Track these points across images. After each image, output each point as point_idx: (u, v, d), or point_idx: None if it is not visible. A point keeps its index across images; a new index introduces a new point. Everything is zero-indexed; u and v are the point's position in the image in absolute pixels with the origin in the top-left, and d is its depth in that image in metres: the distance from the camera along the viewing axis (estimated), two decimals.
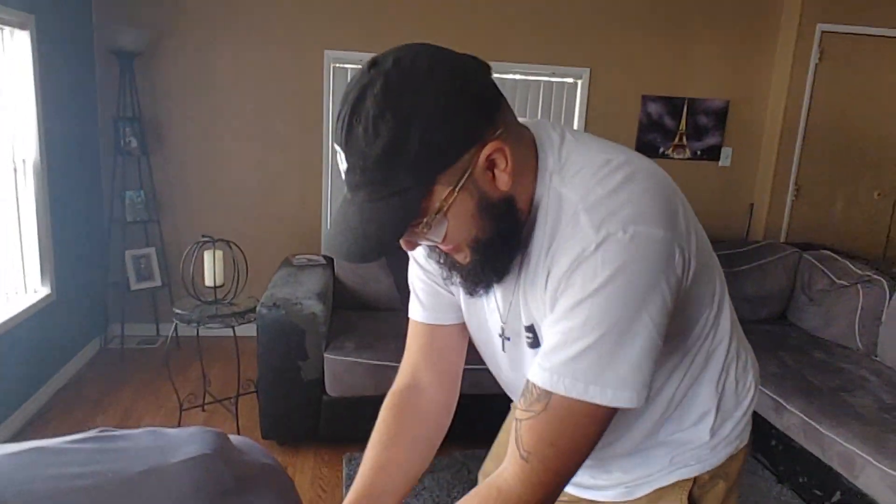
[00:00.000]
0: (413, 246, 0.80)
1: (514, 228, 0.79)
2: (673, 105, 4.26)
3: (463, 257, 0.81)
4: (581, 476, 1.00)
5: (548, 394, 0.74)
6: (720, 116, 4.32)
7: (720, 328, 0.89)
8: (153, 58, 3.71)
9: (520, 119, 0.82)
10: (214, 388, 3.20)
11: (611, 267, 0.70)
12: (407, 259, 1.05)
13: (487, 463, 1.24)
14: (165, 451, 1.02)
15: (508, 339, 0.92)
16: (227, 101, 3.84)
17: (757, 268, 3.45)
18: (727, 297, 0.91)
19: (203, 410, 3.03)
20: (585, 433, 0.76)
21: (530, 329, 0.85)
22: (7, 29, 2.81)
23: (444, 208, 0.74)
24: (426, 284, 1.02)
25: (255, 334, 2.65)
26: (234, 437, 1.14)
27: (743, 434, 0.98)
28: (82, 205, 3.58)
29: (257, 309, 2.61)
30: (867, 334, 3.00)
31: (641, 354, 0.72)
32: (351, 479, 2.51)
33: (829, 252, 3.42)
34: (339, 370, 2.63)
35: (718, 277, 0.88)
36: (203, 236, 2.80)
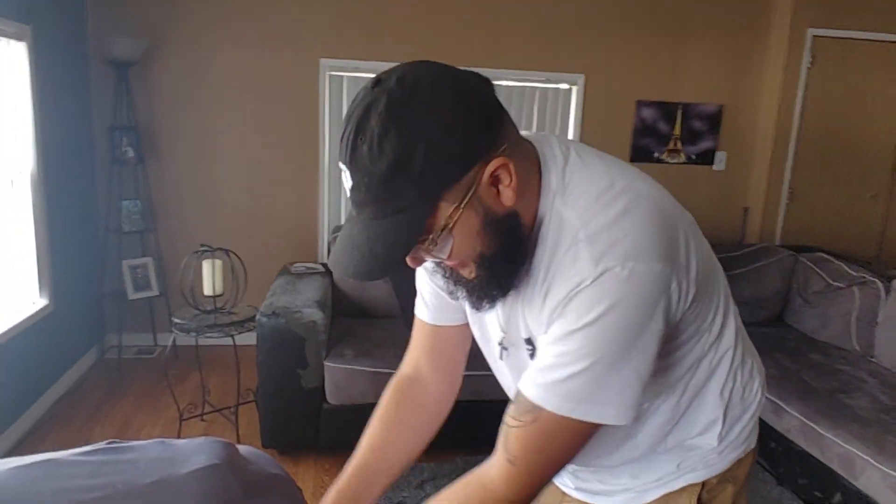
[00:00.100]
0: (419, 262, 0.81)
1: (519, 244, 0.80)
2: (667, 110, 4.29)
3: (468, 272, 0.82)
4: (590, 482, 1.01)
5: (537, 408, 0.77)
6: (714, 121, 4.35)
7: (724, 339, 0.90)
8: (149, 67, 3.71)
9: (522, 132, 0.82)
10: (213, 398, 3.19)
11: (607, 302, 0.72)
12: (408, 268, 1.06)
13: None
14: (174, 462, 1.02)
15: (507, 349, 0.94)
16: (223, 109, 3.84)
17: (753, 271, 3.47)
18: (732, 306, 0.92)
19: (202, 420, 3.02)
20: (570, 445, 0.79)
21: (529, 342, 0.87)
22: (3, 39, 2.81)
23: (450, 225, 0.74)
24: (432, 289, 1.03)
25: (253, 343, 2.64)
26: (241, 447, 1.14)
27: (750, 438, 0.99)
28: (78, 215, 3.57)
29: (257, 318, 2.61)
30: (863, 335, 3.02)
31: (630, 380, 0.75)
32: None
33: (824, 254, 3.44)
34: (339, 378, 2.63)
35: (722, 290, 0.89)
36: (202, 245, 2.80)
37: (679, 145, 4.36)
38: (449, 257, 0.79)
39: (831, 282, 3.25)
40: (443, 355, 1.09)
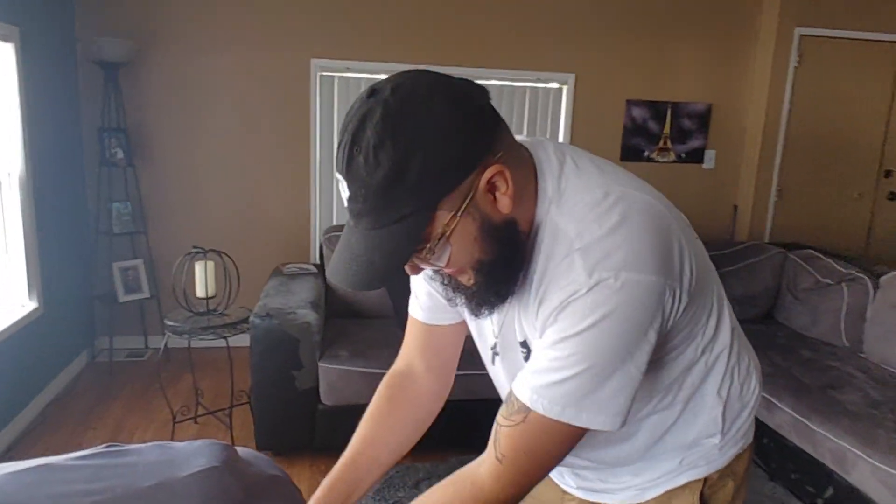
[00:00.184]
0: (417, 270, 0.81)
1: (517, 250, 0.80)
2: (657, 109, 4.31)
3: (467, 279, 0.82)
4: (591, 481, 1.01)
5: (527, 409, 0.78)
6: (703, 120, 4.38)
7: (719, 339, 0.91)
8: (138, 68, 3.68)
9: (517, 137, 0.82)
10: (206, 400, 3.18)
11: (600, 312, 0.73)
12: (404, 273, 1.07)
13: None
14: (174, 465, 1.02)
15: (498, 353, 0.95)
16: (213, 110, 3.82)
17: (743, 268, 3.50)
18: (726, 306, 0.93)
19: (196, 422, 3.00)
20: (556, 446, 0.80)
21: (524, 344, 0.88)
22: None
23: (447, 233, 0.75)
24: (426, 288, 1.04)
25: (246, 345, 2.63)
26: (240, 449, 1.14)
27: (748, 433, 1.00)
28: (68, 217, 3.55)
29: (250, 319, 2.60)
30: (853, 331, 3.05)
31: (619, 387, 0.76)
32: None
33: (813, 251, 3.47)
34: (333, 379, 2.63)
35: (715, 291, 0.89)
36: (194, 247, 2.79)
37: (669, 144, 4.38)
38: (447, 265, 0.79)
39: (820, 279, 3.28)
40: (436, 354, 1.10)
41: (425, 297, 1.05)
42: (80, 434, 2.90)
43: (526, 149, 0.82)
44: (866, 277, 3.07)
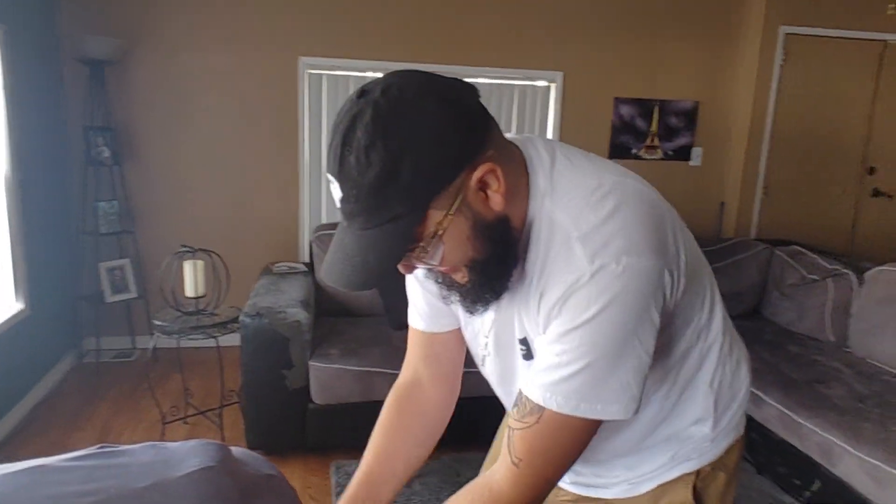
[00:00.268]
0: (411, 269, 0.82)
1: (510, 248, 0.81)
2: (644, 107, 4.34)
3: (461, 277, 0.82)
4: (585, 475, 1.02)
5: (540, 408, 0.78)
6: (690, 117, 4.41)
7: (712, 330, 0.92)
8: (124, 65, 3.65)
9: (507, 135, 0.83)
10: (196, 400, 3.16)
11: (604, 298, 0.73)
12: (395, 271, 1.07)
13: (487, 465, 1.25)
14: (168, 465, 1.01)
15: (489, 354, 0.96)
16: (201, 108, 3.79)
17: (730, 265, 3.53)
18: (718, 297, 0.94)
19: (185, 423, 2.98)
20: (574, 443, 0.80)
21: (524, 342, 0.88)
22: None
23: (440, 232, 0.75)
24: (424, 297, 1.04)
25: (235, 344, 2.62)
26: (235, 449, 1.13)
27: (739, 425, 1.01)
28: (54, 217, 3.51)
29: (240, 318, 2.59)
30: (838, 326, 3.09)
31: (630, 374, 0.77)
32: (340, 486, 2.50)
33: (798, 248, 3.51)
34: (324, 378, 2.62)
35: (708, 281, 0.91)
36: (183, 246, 2.77)
37: (656, 142, 4.41)
38: (441, 264, 0.79)
39: (806, 275, 3.32)
40: (440, 361, 1.09)
41: (423, 304, 1.05)
42: (68, 435, 2.87)
43: (516, 146, 0.83)
44: (851, 273, 3.10)
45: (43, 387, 3.29)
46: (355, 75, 3.93)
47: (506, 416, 1.25)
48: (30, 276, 3.13)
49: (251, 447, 2.63)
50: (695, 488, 0.96)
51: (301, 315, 2.63)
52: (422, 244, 0.76)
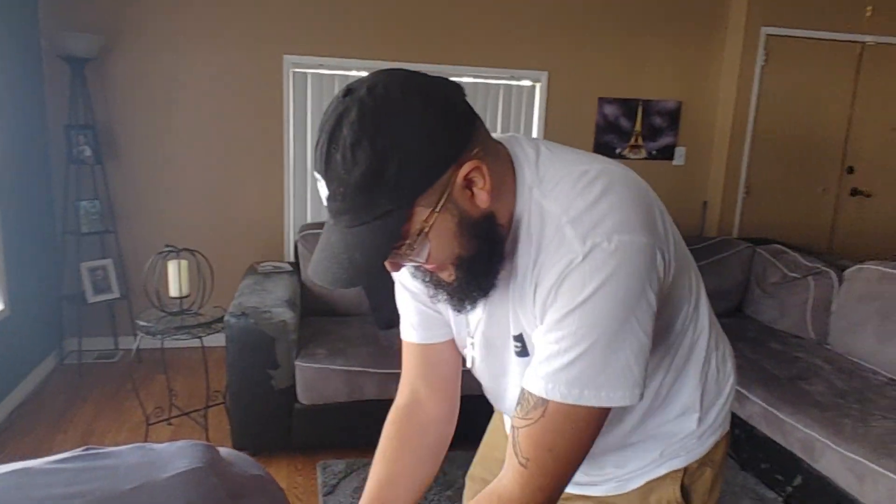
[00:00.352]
0: (398, 267, 0.82)
1: (497, 244, 0.81)
2: (628, 107, 4.37)
3: (447, 275, 0.82)
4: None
5: (544, 401, 0.77)
6: (673, 117, 4.45)
7: (699, 321, 0.93)
8: (105, 63, 3.61)
9: (493, 135, 0.84)
10: (180, 401, 3.13)
11: (599, 277, 0.73)
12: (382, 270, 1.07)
13: (475, 466, 1.25)
14: (155, 467, 1.00)
15: (476, 355, 0.95)
16: (184, 106, 3.76)
17: (713, 263, 3.57)
18: (703, 290, 0.96)
19: (170, 424, 2.96)
20: (582, 435, 0.78)
21: (518, 338, 0.88)
22: None
23: (426, 229, 0.75)
24: (414, 306, 1.03)
25: (219, 344, 2.61)
26: (222, 450, 1.13)
27: (725, 422, 1.02)
28: (34, 216, 3.46)
29: (225, 318, 2.57)
30: (819, 324, 3.13)
31: (632, 356, 0.76)
32: (327, 486, 2.49)
33: (780, 246, 3.56)
34: (310, 377, 2.61)
35: (694, 272, 0.93)
36: (166, 246, 2.74)
37: (640, 141, 4.45)
38: (427, 261, 0.79)
39: (788, 273, 3.36)
40: (437, 373, 1.07)
41: (415, 315, 1.04)
42: (51, 438, 2.84)
43: (501, 144, 0.84)
44: (831, 271, 3.15)
45: (24, 389, 3.24)
46: (340, 74, 3.92)
47: (494, 415, 1.26)
48: (10, 277, 3.08)
49: (237, 447, 2.62)
50: (682, 485, 0.97)
51: (287, 315, 2.62)
52: (408, 242, 0.76)
